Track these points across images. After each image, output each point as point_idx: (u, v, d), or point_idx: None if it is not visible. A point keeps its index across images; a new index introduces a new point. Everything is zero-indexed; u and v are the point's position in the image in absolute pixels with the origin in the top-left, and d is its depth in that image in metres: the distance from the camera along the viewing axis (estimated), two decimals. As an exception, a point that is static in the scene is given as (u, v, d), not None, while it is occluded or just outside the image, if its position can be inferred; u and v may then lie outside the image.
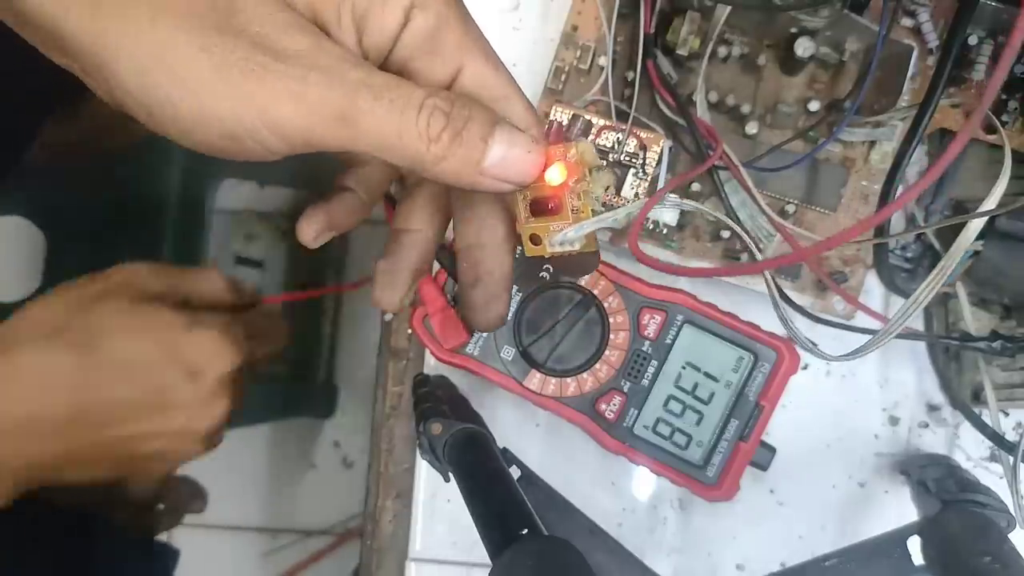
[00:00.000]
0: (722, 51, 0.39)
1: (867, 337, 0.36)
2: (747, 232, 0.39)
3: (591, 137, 0.38)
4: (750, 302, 0.41)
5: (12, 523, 0.51)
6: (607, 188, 0.27)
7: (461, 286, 0.30)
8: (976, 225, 0.28)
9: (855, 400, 0.43)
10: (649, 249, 0.41)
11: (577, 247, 0.26)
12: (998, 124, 0.32)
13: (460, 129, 0.23)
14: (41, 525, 0.55)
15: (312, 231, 0.30)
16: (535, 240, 0.27)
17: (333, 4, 0.24)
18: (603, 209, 0.27)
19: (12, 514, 0.45)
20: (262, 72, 0.22)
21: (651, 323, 0.37)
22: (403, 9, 0.24)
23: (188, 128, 0.23)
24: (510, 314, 0.37)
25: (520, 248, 0.28)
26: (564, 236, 0.26)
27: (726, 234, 0.40)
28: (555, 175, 0.25)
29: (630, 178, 0.38)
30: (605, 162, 0.26)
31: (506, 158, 0.24)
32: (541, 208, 0.26)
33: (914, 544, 0.37)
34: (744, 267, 0.28)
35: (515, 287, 0.37)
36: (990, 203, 0.27)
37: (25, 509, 0.49)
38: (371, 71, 0.23)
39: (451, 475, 0.34)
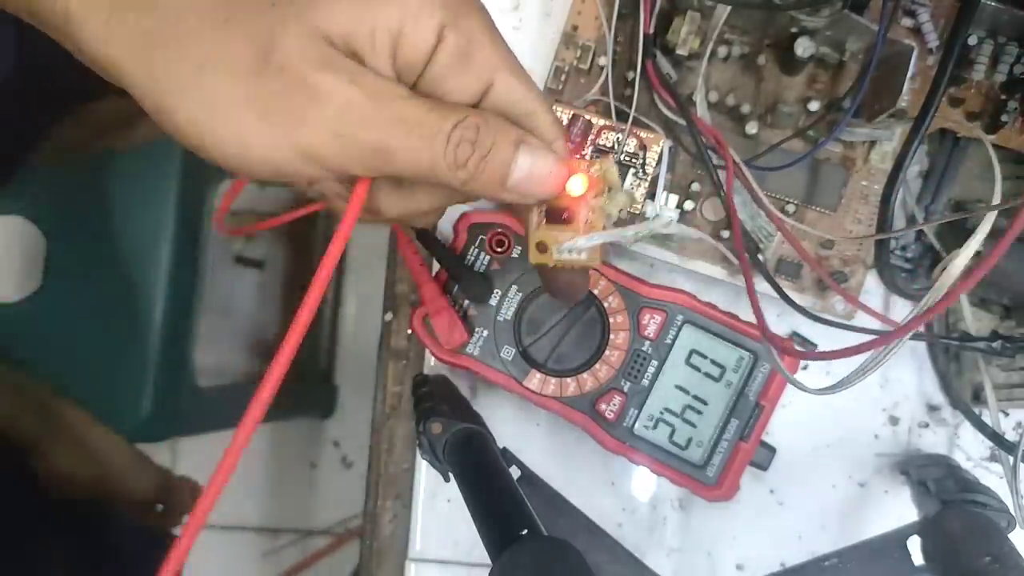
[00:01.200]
0: (722, 51, 0.39)
1: (864, 337, 0.36)
2: (747, 231, 0.39)
3: (591, 137, 0.38)
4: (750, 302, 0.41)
5: (32, 514, 0.52)
6: (621, 210, 0.27)
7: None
8: (983, 231, 0.28)
9: (855, 400, 0.43)
10: (648, 249, 0.41)
11: (584, 256, 0.27)
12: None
13: (485, 154, 0.25)
14: (59, 516, 0.55)
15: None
16: (541, 248, 0.27)
17: (367, 30, 0.25)
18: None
19: (32, 506, 0.45)
20: (302, 115, 0.24)
21: (651, 323, 0.37)
22: (435, 30, 0.25)
23: (235, 162, 0.25)
24: (511, 314, 0.37)
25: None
26: (574, 244, 0.27)
27: (725, 234, 0.40)
28: (576, 185, 0.26)
29: (630, 178, 0.38)
30: (624, 186, 0.27)
31: (529, 176, 0.26)
32: (555, 217, 0.27)
33: (914, 544, 0.37)
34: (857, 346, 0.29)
35: (515, 287, 0.37)
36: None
37: (44, 502, 0.49)
38: (403, 104, 0.25)
39: (451, 475, 0.34)
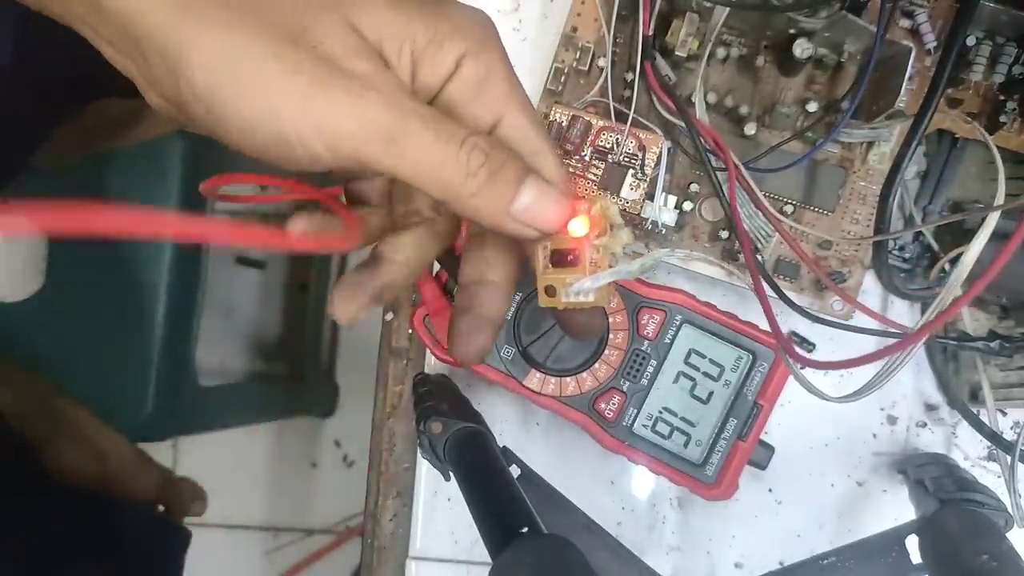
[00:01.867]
0: (720, 52, 0.39)
1: (864, 337, 0.36)
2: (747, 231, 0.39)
3: (590, 138, 0.38)
4: (749, 302, 0.41)
5: (39, 499, 0.52)
6: (625, 246, 0.28)
7: (454, 313, 0.31)
8: (987, 228, 0.28)
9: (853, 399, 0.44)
10: (646, 249, 0.41)
11: (592, 298, 0.27)
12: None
13: (496, 169, 0.25)
14: (65, 501, 0.56)
15: (349, 310, 0.28)
16: (550, 292, 0.28)
17: (396, 41, 0.25)
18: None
19: (39, 491, 0.45)
20: (327, 83, 0.23)
21: (650, 323, 0.38)
22: (456, 57, 0.26)
23: (245, 129, 0.24)
24: (510, 314, 0.38)
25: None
26: (580, 286, 0.27)
27: (724, 234, 0.41)
28: (578, 227, 0.26)
29: (629, 179, 0.39)
30: (625, 223, 0.27)
31: (534, 205, 0.25)
32: (560, 260, 0.27)
33: (912, 543, 0.37)
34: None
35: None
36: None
37: (50, 488, 0.49)
38: (419, 101, 0.25)
39: (451, 474, 0.34)
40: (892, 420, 0.44)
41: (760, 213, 0.38)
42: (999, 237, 0.38)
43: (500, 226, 0.26)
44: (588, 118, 0.39)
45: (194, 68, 0.23)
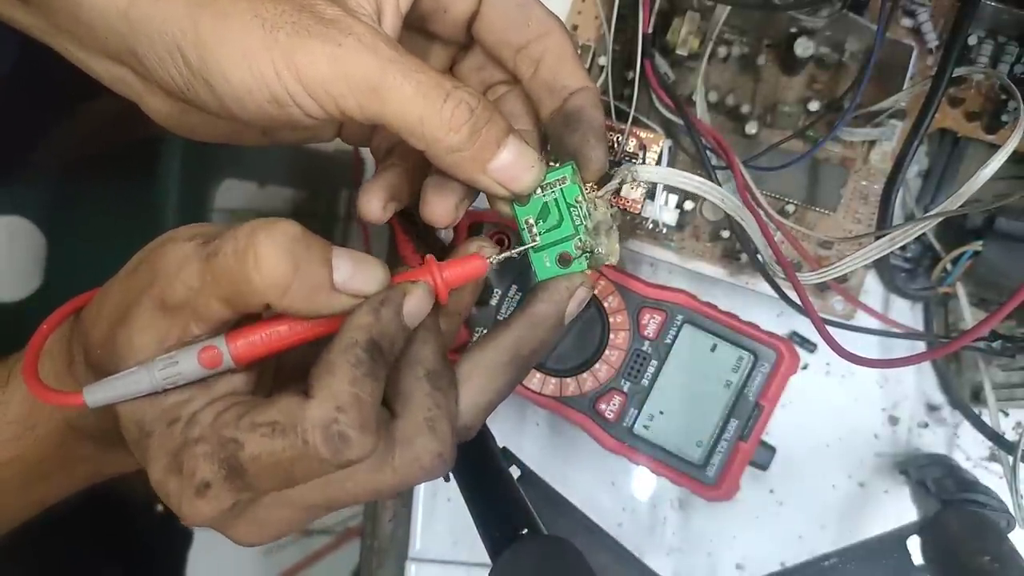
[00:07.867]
0: (722, 51, 0.39)
1: (866, 336, 0.36)
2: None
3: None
4: (750, 302, 0.41)
5: None
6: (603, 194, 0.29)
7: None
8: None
9: (855, 400, 0.43)
10: (648, 249, 0.41)
11: (603, 251, 0.28)
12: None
13: (480, 127, 0.25)
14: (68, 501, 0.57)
15: (376, 205, 0.29)
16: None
17: None
18: (606, 211, 0.29)
19: None
20: (306, 34, 0.24)
21: (651, 323, 0.37)
22: None
23: (241, 96, 0.24)
24: (511, 314, 0.37)
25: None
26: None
27: (726, 234, 0.40)
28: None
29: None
30: (622, 189, 0.28)
31: (512, 164, 0.26)
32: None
33: (914, 544, 0.37)
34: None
35: (515, 287, 0.37)
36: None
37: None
38: (402, 51, 0.25)
39: (451, 474, 0.34)
40: (894, 421, 0.44)
41: (760, 213, 0.37)
42: (1002, 236, 0.38)
43: (474, 181, 0.26)
44: (588, 117, 0.38)
45: (188, 47, 0.24)
